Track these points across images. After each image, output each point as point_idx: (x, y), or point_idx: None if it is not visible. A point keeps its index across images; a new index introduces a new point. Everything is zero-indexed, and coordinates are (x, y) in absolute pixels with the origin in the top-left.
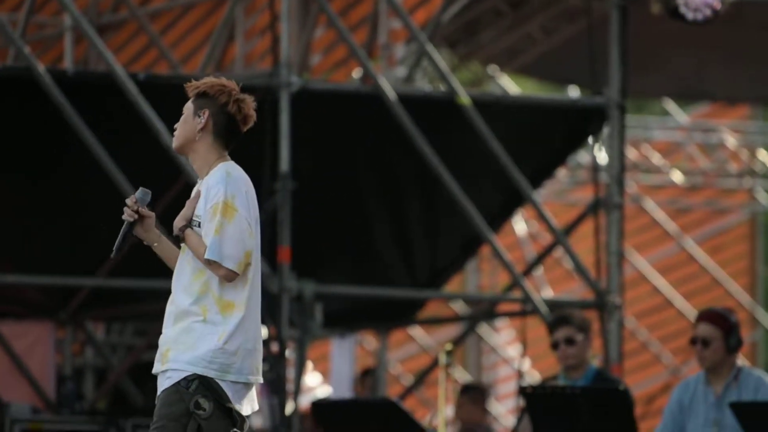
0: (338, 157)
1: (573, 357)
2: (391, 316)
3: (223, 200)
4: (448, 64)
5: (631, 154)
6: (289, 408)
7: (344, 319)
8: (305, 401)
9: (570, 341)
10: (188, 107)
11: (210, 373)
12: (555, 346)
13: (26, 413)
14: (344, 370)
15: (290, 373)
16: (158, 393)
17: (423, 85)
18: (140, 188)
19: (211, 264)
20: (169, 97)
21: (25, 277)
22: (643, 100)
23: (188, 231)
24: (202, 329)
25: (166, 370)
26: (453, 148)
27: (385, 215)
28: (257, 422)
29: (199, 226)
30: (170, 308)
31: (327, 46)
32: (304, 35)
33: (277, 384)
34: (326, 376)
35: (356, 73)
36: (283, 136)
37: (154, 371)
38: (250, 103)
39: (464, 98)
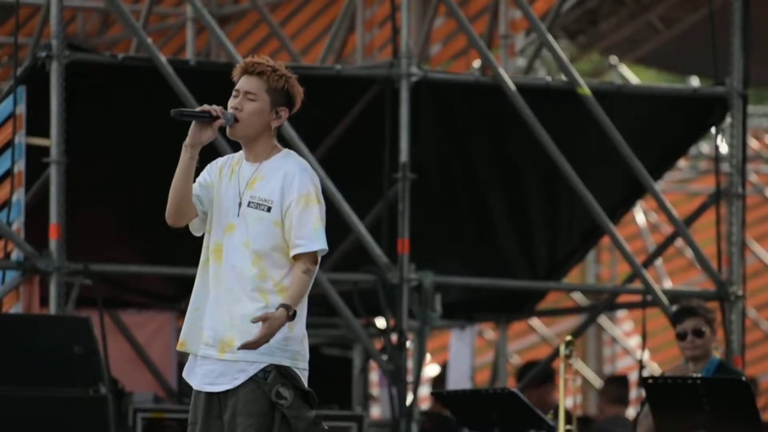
0: (457, 148)
1: (701, 348)
2: (510, 307)
3: (314, 191)
4: (568, 54)
5: (753, 143)
6: (408, 399)
7: (464, 309)
8: (424, 392)
9: (699, 332)
10: (262, 96)
11: (285, 362)
12: (682, 336)
13: (148, 402)
14: (463, 361)
15: (410, 363)
16: (209, 378)
17: (543, 75)
18: (231, 113)
19: (310, 256)
20: None
21: (147, 268)
22: (765, 89)
23: (284, 304)
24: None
25: (237, 361)
26: (573, 138)
27: (505, 206)
28: (377, 412)
29: (268, 210)
30: (219, 288)
31: (447, 36)
32: (423, 25)
33: (397, 375)
34: (445, 366)
35: (476, 64)
36: (403, 126)
37: (201, 354)
38: None
39: (584, 88)
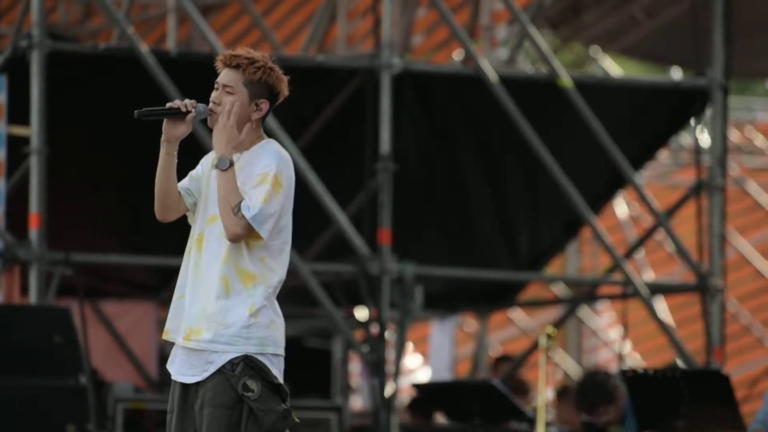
0: (439, 139)
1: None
2: (491, 298)
3: (274, 173)
4: (550, 45)
5: (734, 135)
6: (389, 389)
7: (444, 300)
8: (405, 383)
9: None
10: (240, 89)
11: (250, 350)
12: None
13: (129, 392)
14: (444, 352)
15: (390, 354)
16: (183, 368)
17: (525, 66)
18: (207, 105)
19: (236, 219)
20: None
21: (128, 257)
22: (746, 81)
23: (231, 169)
24: (227, 305)
25: (202, 351)
26: (554, 130)
27: (486, 197)
28: (357, 403)
29: None
30: (197, 278)
31: (429, 27)
32: (405, 16)
33: (377, 365)
34: (426, 357)
35: (457, 55)
36: (384, 117)
37: (175, 341)
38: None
39: (566, 80)
